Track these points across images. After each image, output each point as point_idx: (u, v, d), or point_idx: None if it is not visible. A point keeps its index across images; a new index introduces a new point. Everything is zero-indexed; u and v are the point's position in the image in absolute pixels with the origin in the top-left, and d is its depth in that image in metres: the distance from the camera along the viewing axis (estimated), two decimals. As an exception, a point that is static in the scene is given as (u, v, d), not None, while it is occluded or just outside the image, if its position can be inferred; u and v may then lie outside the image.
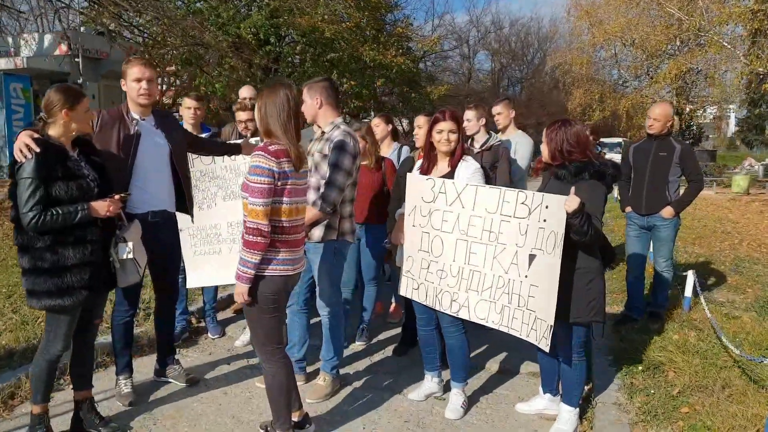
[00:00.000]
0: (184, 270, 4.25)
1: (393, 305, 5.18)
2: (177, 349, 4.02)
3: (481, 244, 3.16)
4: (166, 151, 3.42)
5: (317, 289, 3.60)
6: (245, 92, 5.14)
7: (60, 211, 2.64)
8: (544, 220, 2.89)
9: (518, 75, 40.84)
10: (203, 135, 4.39)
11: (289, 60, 18.81)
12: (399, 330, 4.63)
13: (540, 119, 32.20)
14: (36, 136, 2.67)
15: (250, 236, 2.64)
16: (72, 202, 2.69)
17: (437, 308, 3.37)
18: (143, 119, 3.38)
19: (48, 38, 12.91)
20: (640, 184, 4.74)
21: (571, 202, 2.74)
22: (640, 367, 3.80)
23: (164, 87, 17.45)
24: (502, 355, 4.26)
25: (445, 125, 3.30)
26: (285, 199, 2.75)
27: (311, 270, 3.56)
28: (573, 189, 2.82)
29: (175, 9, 14.94)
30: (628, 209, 4.87)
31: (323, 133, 3.50)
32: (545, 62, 38.05)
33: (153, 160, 3.36)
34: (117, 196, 2.87)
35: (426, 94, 24.76)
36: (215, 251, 4.22)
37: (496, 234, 3.10)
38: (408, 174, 3.52)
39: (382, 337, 4.75)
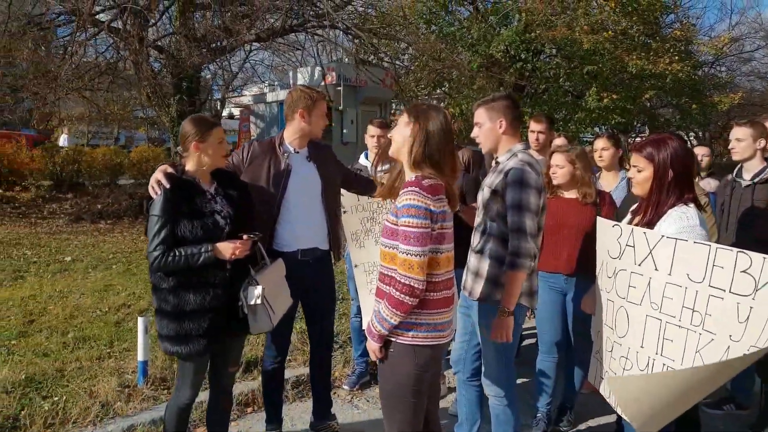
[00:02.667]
0: (359, 313, 3.93)
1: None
2: (351, 397, 3.69)
3: (680, 328, 2.13)
4: (318, 186, 3.15)
5: (483, 360, 2.87)
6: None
7: (183, 252, 2.49)
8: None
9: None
10: (387, 165, 4.05)
11: (543, 76, 17.78)
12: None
13: None
14: (169, 170, 2.57)
15: (399, 294, 2.13)
16: (197, 242, 2.52)
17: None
18: (297, 151, 3.16)
19: (317, 70, 14.40)
20: None
21: None
22: None
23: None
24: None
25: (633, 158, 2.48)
26: (443, 246, 2.22)
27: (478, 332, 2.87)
28: None
29: (430, 33, 15.31)
30: None
31: (497, 162, 2.84)
32: None
33: (303, 196, 3.14)
34: (246, 237, 2.59)
35: (712, 104, 20.99)
36: None
37: (701, 315, 2.05)
38: (598, 219, 2.63)
39: (593, 423, 3.70)
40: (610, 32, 16.21)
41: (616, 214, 3.28)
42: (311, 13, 10.85)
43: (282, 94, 14.28)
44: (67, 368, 4.05)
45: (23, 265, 7.38)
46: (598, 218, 2.68)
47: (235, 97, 17.39)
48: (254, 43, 12.44)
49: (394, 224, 2.16)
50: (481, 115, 2.83)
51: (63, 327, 4.99)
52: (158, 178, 2.55)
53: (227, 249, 2.55)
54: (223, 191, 2.73)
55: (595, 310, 2.69)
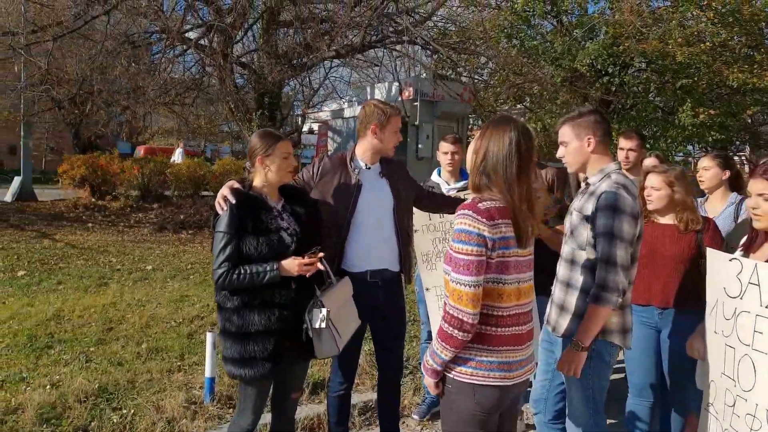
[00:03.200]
0: (430, 338, 3.71)
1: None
2: (421, 428, 3.46)
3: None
4: (390, 203, 2.97)
5: (567, 402, 2.55)
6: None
7: (248, 270, 2.39)
8: None
9: None
10: (462, 182, 3.84)
11: (631, 90, 16.85)
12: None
13: None
14: (236, 186, 2.46)
15: (447, 326, 1.94)
16: (262, 260, 2.41)
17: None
18: (368, 167, 2.99)
19: (395, 86, 14.36)
20: None
21: None
22: None
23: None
24: None
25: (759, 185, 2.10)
26: (507, 276, 1.97)
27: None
28: None
29: (511, 47, 14.96)
30: None
31: (587, 184, 2.54)
32: None
33: (374, 214, 2.96)
34: (310, 253, 2.48)
35: None
36: None
37: None
38: (708, 249, 2.30)
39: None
40: (707, 44, 15.14)
41: (724, 245, 2.87)
42: (390, 29, 10.81)
43: (359, 110, 14.35)
44: (138, 379, 4.05)
45: (108, 272, 7.68)
46: (710, 250, 2.32)
47: (315, 112, 17.71)
48: (334, 60, 12.60)
49: (451, 249, 1.96)
50: (566, 132, 2.56)
51: (138, 336, 5.06)
52: (224, 193, 2.47)
53: (292, 266, 2.42)
54: (290, 208, 2.62)
55: (704, 356, 2.32)
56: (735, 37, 16.23)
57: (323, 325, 2.45)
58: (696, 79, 15.47)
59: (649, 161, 4.13)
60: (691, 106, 15.32)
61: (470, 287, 1.89)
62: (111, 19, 8.71)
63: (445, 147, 4.01)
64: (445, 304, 2.00)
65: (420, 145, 13.74)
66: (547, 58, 14.91)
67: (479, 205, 1.95)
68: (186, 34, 10.10)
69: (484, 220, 1.91)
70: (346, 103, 16.71)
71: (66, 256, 8.52)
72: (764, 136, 20.21)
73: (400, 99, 13.76)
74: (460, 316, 1.90)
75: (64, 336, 4.98)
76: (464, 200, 3.33)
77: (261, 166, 2.52)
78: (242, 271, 2.38)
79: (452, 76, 14.21)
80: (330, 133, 14.68)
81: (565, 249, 2.56)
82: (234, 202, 2.42)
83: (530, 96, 15.74)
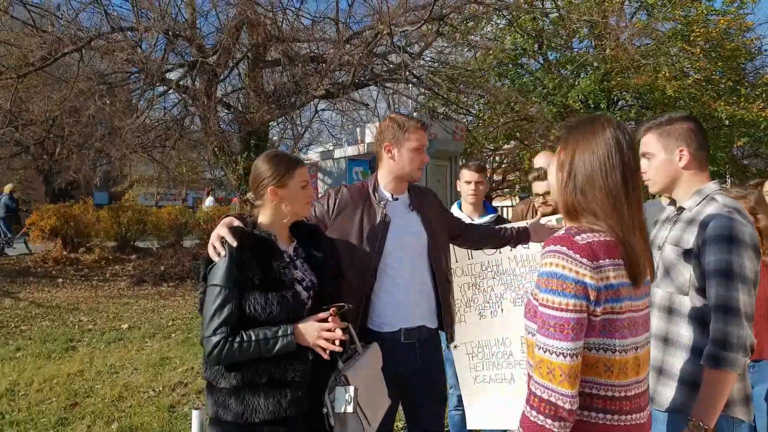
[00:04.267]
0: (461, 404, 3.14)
1: None
2: None
3: None
4: (423, 243, 2.46)
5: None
6: (542, 159, 3.77)
7: (253, 337, 1.80)
8: None
9: None
10: (487, 217, 3.25)
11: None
12: None
13: None
14: (236, 224, 1.91)
15: (535, 413, 1.35)
16: (271, 323, 1.83)
17: None
18: (395, 198, 2.46)
19: (386, 126, 13.92)
20: None
21: None
22: None
23: (493, 165, 17.61)
24: None
25: None
26: (617, 340, 1.39)
27: None
28: None
29: (502, 87, 14.82)
30: None
31: (680, 209, 2.01)
32: None
33: (406, 256, 2.42)
34: (332, 309, 1.90)
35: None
36: (505, 378, 3.01)
37: None
38: None
39: None
40: (694, 77, 15.16)
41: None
42: (384, 68, 10.39)
43: (350, 150, 13.77)
44: (106, 474, 3.22)
45: (77, 333, 6.77)
46: None
47: (304, 153, 17.21)
48: (322, 101, 12.16)
49: (535, 299, 1.41)
50: (651, 142, 2.03)
51: (109, 413, 4.21)
52: (221, 233, 1.87)
53: (311, 332, 1.84)
54: (304, 252, 2.01)
55: None
56: (718, 71, 16.32)
57: (349, 409, 1.82)
58: (686, 112, 15.41)
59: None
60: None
61: (567, 357, 1.31)
62: (84, 58, 8.08)
63: (467, 175, 3.44)
64: (528, 379, 1.38)
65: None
66: (538, 95, 14.78)
67: (576, 237, 1.37)
68: (167, 74, 9.50)
69: (585, 260, 1.33)
70: (331, 145, 16.24)
71: (29, 317, 7.60)
72: (752, 168, 20.21)
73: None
74: (554, 399, 1.32)
75: (17, 417, 4.11)
76: (503, 229, 2.75)
77: (272, 198, 1.95)
78: (245, 339, 1.78)
79: (448, 113, 13.91)
80: (320, 175, 14.07)
81: (658, 294, 1.96)
82: (235, 244, 1.79)
83: (521, 132, 15.53)
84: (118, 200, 15.12)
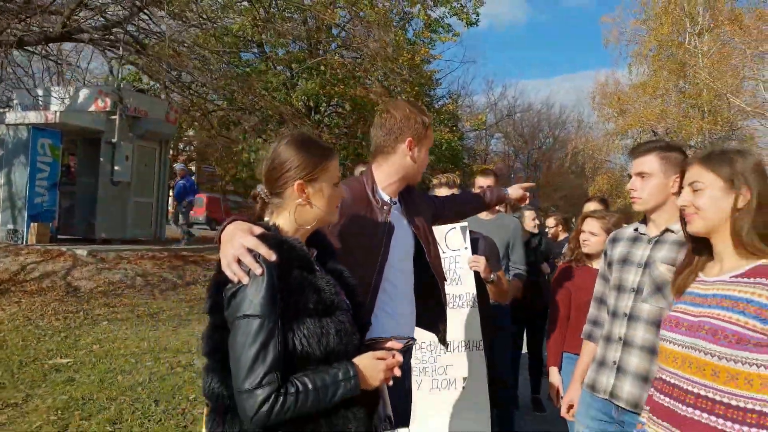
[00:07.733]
0: None
1: None
2: None
3: None
4: (411, 244, 2.25)
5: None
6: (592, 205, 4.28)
7: (309, 385, 1.38)
8: None
9: (532, 158, 40.35)
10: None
11: (335, 131, 17.87)
12: None
13: (556, 203, 32.40)
14: (258, 231, 1.45)
15: None
16: (326, 359, 1.44)
17: None
18: (395, 201, 2.21)
19: (84, 92, 11.71)
20: None
21: None
22: None
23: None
24: None
25: None
26: None
27: None
28: None
29: (227, 71, 14.15)
30: None
31: (667, 231, 2.16)
32: (556, 147, 38.88)
33: (406, 267, 2.23)
34: (396, 342, 1.63)
35: (471, 172, 23.70)
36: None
37: None
38: None
39: None
40: (402, 96, 16.97)
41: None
42: (101, 21, 8.68)
43: (32, 116, 11.00)
44: None
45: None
46: None
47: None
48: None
49: (763, 333, 1.41)
50: (652, 163, 2.15)
51: None
52: (250, 245, 1.39)
53: (375, 373, 1.49)
54: (323, 266, 1.65)
55: None
56: (414, 95, 18.74)
57: None
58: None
59: (592, 205, 4.18)
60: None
61: None
62: None
63: (481, 181, 3.49)
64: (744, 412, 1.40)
65: (117, 167, 11.27)
66: (264, 88, 14.58)
67: None
68: None
69: None
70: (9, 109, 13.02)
71: None
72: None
73: (93, 109, 11.27)
74: None
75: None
76: (482, 196, 2.66)
77: (299, 196, 1.55)
78: (300, 389, 1.37)
79: (157, 91, 12.59)
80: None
81: (645, 308, 2.09)
82: (274, 258, 1.39)
83: (238, 124, 15.22)
84: None
